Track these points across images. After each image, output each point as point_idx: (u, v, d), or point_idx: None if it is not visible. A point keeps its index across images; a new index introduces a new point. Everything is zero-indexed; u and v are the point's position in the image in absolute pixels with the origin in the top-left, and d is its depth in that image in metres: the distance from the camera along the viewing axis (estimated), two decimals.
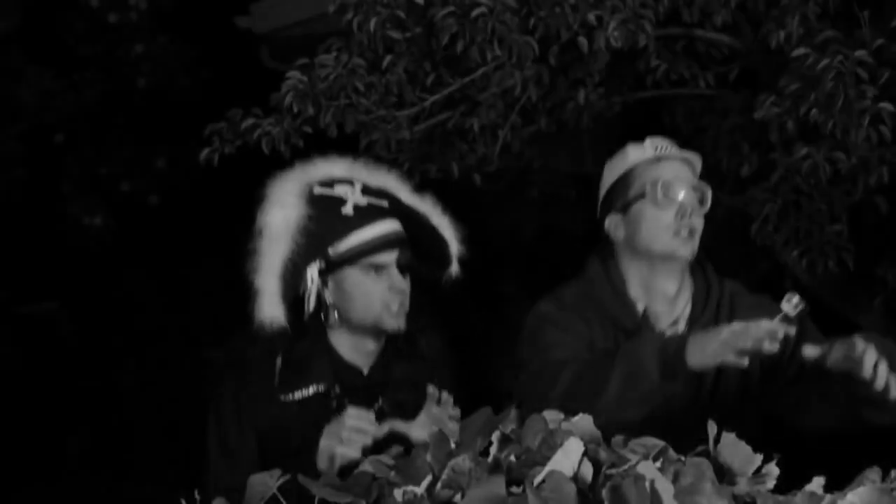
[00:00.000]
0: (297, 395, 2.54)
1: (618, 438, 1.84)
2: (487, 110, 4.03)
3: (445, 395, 2.42)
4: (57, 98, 7.55)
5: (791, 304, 2.43)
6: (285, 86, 3.82)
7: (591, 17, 3.78)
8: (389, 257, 2.59)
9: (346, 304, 2.57)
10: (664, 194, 2.59)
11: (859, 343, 2.33)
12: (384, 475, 1.79)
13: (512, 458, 1.75)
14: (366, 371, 2.61)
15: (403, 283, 2.59)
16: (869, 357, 2.29)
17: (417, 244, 2.64)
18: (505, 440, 1.79)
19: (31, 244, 7.50)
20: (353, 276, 2.57)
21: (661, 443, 1.80)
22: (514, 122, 4.15)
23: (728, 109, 4.47)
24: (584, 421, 1.84)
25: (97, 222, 7.85)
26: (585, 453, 1.73)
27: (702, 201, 2.62)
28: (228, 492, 2.49)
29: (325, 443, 2.42)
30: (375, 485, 1.78)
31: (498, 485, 1.67)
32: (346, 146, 4.34)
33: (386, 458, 1.83)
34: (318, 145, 3.73)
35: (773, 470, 1.82)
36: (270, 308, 2.53)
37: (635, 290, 2.63)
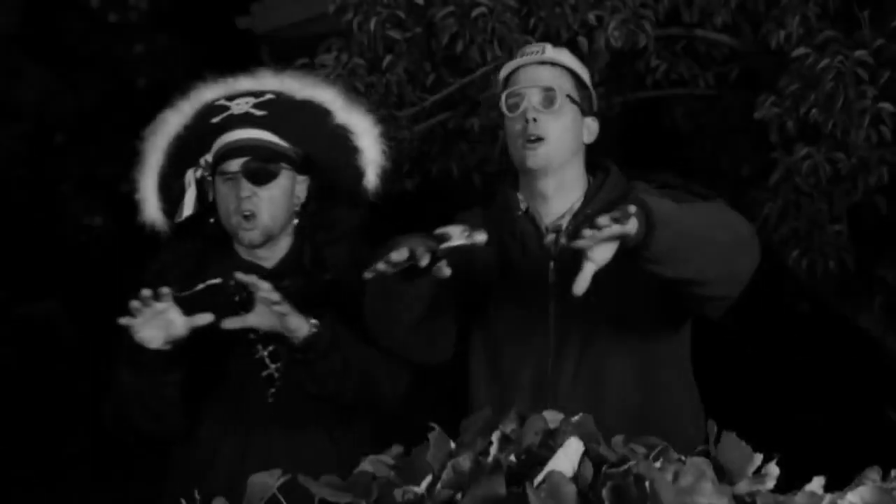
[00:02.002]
0: (198, 288, 2.61)
1: (617, 438, 1.84)
2: (487, 110, 4.03)
3: (253, 278, 2.44)
4: (57, 98, 7.54)
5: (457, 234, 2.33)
6: None
7: (591, 17, 3.78)
8: (236, 165, 2.64)
9: (219, 211, 2.69)
10: (507, 104, 2.57)
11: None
12: (384, 475, 1.79)
13: (512, 458, 1.75)
14: (269, 267, 2.69)
15: (247, 191, 2.62)
16: (602, 219, 2.25)
17: (335, 159, 2.70)
18: (505, 440, 1.79)
19: (31, 244, 7.49)
20: (217, 184, 2.68)
21: (661, 443, 1.80)
22: None
23: (728, 109, 4.47)
24: (584, 421, 1.85)
25: (97, 222, 7.85)
26: (585, 453, 1.73)
27: (550, 102, 2.53)
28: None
29: None
30: (375, 485, 1.78)
31: (498, 485, 1.67)
32: None
33: (386, 458, 1.83)
34: None
35: (773, 470, 1.82)
36: (147, 211, 2.73)
37: (523, 194, 2.61)
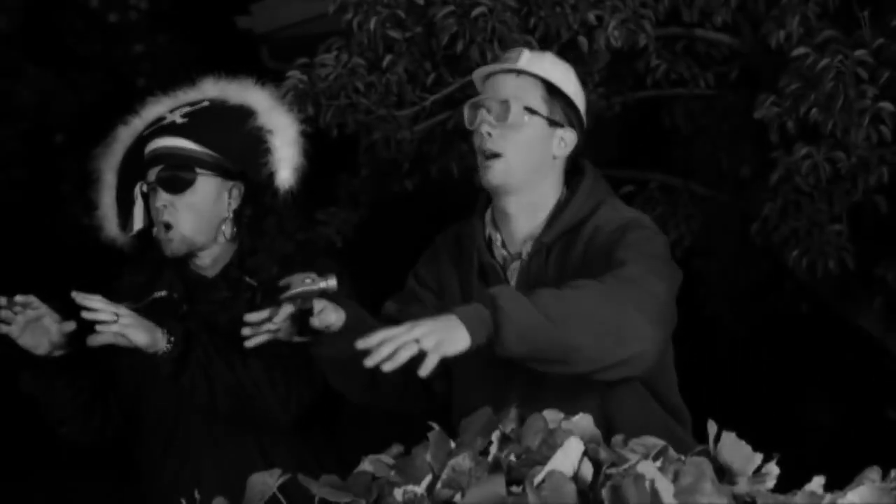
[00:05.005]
0: (146, 301, 2.62)
1: (617, 438, 1.84)
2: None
3: (84, 296, 2.43)
4: (57, 98, 7.53)
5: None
6: (285, 85, 3.82)
7: (591, 16, 3.78)
8: (153, 174, 2.63)
9: None
10: (467, 116, 2.45)
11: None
12: (384, 475, 1.79)
13: (512, 457, 1.75)
14: (210, 277, 2.68)
15: (162, 200, 2.60)
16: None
17: (248, 159, 2.64)
18: (505, 440, 1.79)
19: (31, 244, 7.48)
20: (150, 195, 2.66)
21: (661, 442, 1.80)
22: None
23: (728, 109, 4.47)
24: (584, 421, 1.84)
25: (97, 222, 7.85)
26: (585, 453, 1.73)
27: (503, 116, 2.39)
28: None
29: None
30: (375, 484, 1.78)
31: (498, 485, 1.67)
32: (347, 146, 4.35)
33: (386, 458, 1.83)
34: (318, 145, 3.72)
35: (773, 470, 1.82)
36: (107, 228, 2.74)
37: (490, 215, 2.50)
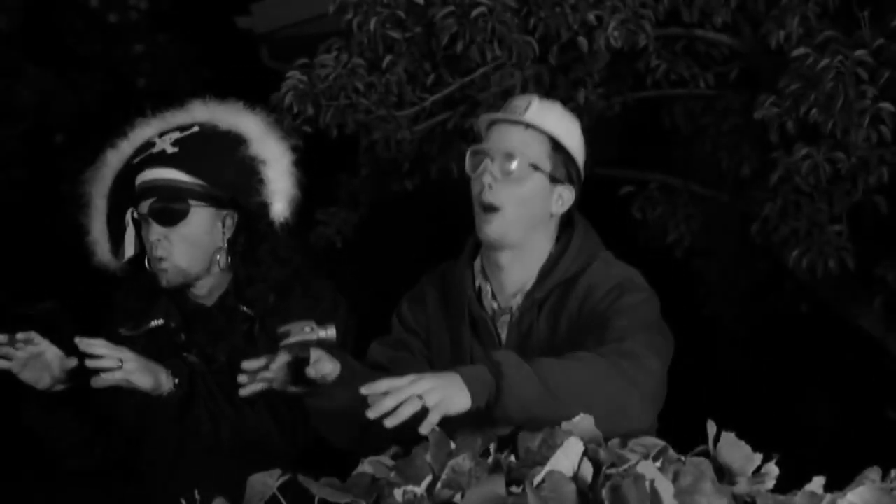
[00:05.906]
0: (142, 329, 2.61)
1: (615, 440, 1.84)
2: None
3: (87, 342, 2.41)
4: (57, 98, 7.53)
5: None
6: (285, 86, 3.82)
7: (591, 17, 3.78)
8: (145, 206, 2.60)
9: None
10: (470, 162, 2.44)
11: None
12: (384, 475, 1.79)
13: (512, 458, 1.76)
14: (209, 306, 2.65)
15: (156, 234, 2.58)
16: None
17: (241, 190, 2.61)
18: (505, 440, 1.79)
19: (31, 244, 7.49)
20: (142, 225, 2.63)
21: (661, 443, 1.80)
22: None
23: (728, 109, 4.47)
24: (584, 421, 1.85)
25: None
26: (585, 453, 1.73)
27: (507, 170, 2.37)
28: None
29: None
30: (375, 485, 1.78)
31: (498, 485, 1.67)
32: (347, 146, 4.35)
33: (386, 459, 1.83)
34: (318, 145, 3.73)
35: (773, 470, 1.82)
36: (99, 254, 2.70)
37: (480, 265, 2.49)
